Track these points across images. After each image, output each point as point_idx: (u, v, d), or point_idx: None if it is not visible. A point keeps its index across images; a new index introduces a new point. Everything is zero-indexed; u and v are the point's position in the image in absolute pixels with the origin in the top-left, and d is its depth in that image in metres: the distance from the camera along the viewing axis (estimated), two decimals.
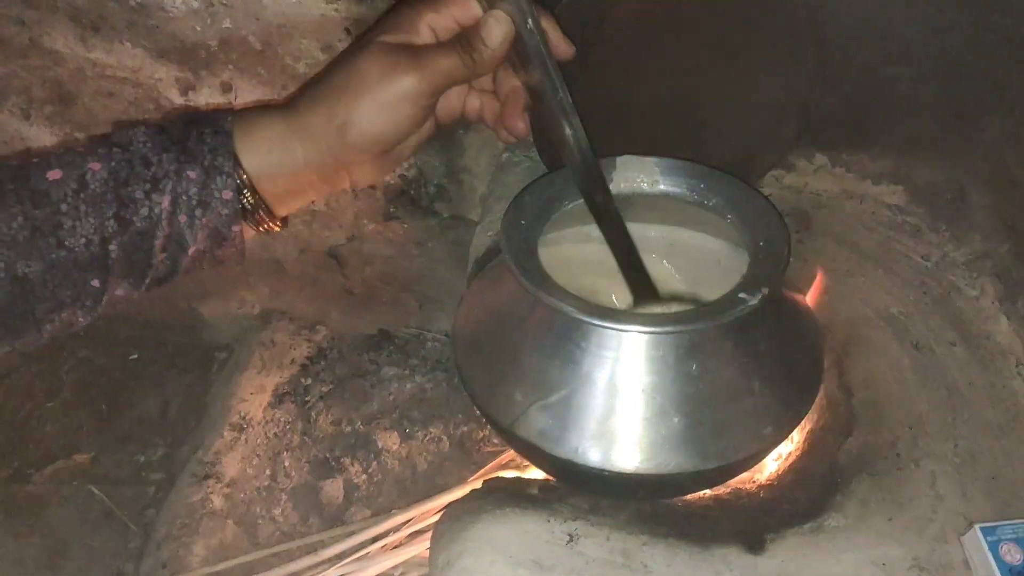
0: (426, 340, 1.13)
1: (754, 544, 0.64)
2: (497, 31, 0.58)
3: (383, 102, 0.57)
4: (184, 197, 0.54)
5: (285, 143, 0.56)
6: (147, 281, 0.58)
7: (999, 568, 0.62)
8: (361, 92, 0.57)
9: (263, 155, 0.56)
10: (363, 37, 0.60)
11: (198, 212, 0.54)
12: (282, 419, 1.05)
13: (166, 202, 0.53)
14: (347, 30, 0.85)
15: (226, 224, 0.56)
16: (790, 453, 0.72)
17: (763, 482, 0.70)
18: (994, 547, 0.63)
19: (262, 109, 0.59)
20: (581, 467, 0.60)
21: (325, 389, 1.08)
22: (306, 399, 1.07)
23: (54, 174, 0.52)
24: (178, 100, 0.93)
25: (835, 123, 0.88)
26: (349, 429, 1.04)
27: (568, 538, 0.63)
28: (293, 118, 0.57)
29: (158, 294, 1.11)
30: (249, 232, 0.60)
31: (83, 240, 0.52)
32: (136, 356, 1.18)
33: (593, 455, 0.60)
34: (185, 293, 1.14)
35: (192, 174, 0.54)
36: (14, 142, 0.99)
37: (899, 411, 0.72)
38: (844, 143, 0.90)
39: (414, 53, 0.58)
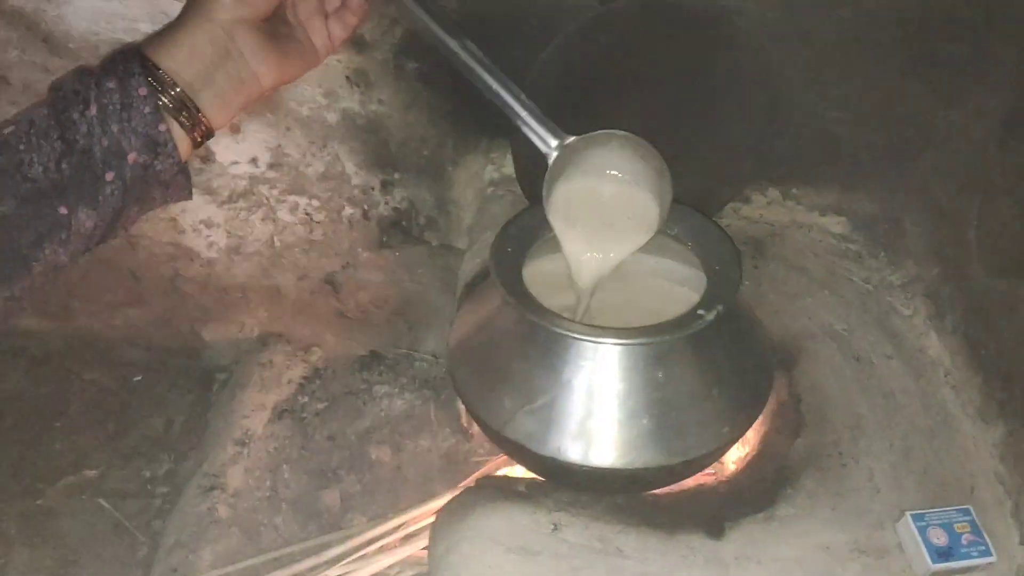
0: (415, 360, 1.21)
1: (715, 531, 0.73)
2: None
3: None
4: (110, 107, 0.60)
5: (185, 30, 0.61)
6: (104, 206, 0.62)
7: (927, 549, 0.71)
8: None
9: (167, 48, 0.60)
10: None
11: (124, 115, 0.60)
12: (281, 434, 1.12)
13: (94, 110, 0.60)
14: (347, 78, 0.94)
15: (152, 124, 0.61)
16: (746, 452, 0.81)
17: (723, 478, 0.79)
18: (923, 531, 0.72)
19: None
20: (563, 464, 0.69)
21: (321, 406, 1.16)
22: (303, 416, 1.15)
23: (9, 129, 0.60)
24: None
25: (785, 161, 0.98)
26: (344, 443, 1.12)
27: (552, 527, 0.71)
28: (189, 9, 0.65)
29: (161, 316, 1.19)
30: (185, 142, 0.62)
31: (41, 168, 0.59)
32: (140, 378, 1.24)
33: (573, 453, 0.69)
34: (188, 318, 1.21)
35: (110, 83, 0.60)
36: None
37: (842, 415, 0.81)
38: (794, 179, 1.00)
39: None
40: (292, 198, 1.07)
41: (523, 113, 0.70)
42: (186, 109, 0.61)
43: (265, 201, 1.07)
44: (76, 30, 0.93)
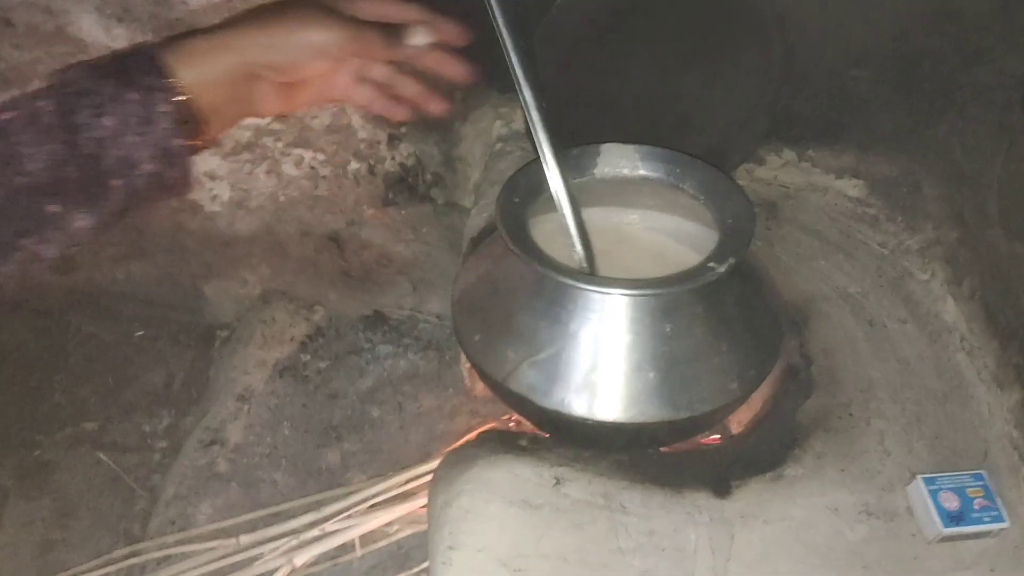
0: (419, 321, 1.20)
1: (721, 489, 0.71)
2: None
3: (296, 35, 0.62)
4: (130, 119, 0.59)
5: (211, 52, 0.62)
6: (105, 210, 0.61)
7: (938, 512, 0.69)
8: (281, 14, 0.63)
9: (191, 60, 0.60)
10: None
11: (142, 129, 0.59)
12: (283, 391, 1.11)
13: (111, 123, 0.58)
14: None
15: (170, 137, 0.60)
16: (755, 413, 0.79)
17: (730, 437, 0.77)
18: (934, 494, 0.70)
19: (191, 32, 0.65)
20: (567, 417, 0.67)
21: (323, 365, 1.15)
22: (305, 374, 1.14)
23: (8, 115, 0.58)
24: None
25: (802, 121, 0.96)
26: (346, 402, 1.11)
27: (555, 481, 0.70)
28: (220, 33, 0.63)
29: (163, 271, 1.17)
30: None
31: (40, 166, 0.57)
32: (141, 333, 1.23)
33: (578, 406, 0.67)
34: (190, 273, 1.20)
35: (132, 95, 0.59)
36: None
37: (853, 378, 0.80)
38: (810, 140, 0.98)
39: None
40: (297, 151, 1.05)
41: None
42: (197, 123, 0.60)
43: (270, 154, 1.05)
44: None
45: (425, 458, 0.99)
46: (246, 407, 1.09)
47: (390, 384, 1.13)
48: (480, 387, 1.06)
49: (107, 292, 1.22)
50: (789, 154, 0.98)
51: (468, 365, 1.02)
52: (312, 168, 1.07)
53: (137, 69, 0.59)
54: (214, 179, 1.08)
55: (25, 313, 1.23)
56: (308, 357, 1.16)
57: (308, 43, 0.63)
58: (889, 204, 0.96)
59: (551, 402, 0.67)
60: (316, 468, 1.04)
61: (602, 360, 0.67)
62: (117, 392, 1.17)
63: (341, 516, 0.93)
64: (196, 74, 0.61)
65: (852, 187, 0.97)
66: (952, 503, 0.70)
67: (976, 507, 0.70)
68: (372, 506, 0.94)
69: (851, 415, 0.76)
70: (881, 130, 0.95)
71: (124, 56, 0.60)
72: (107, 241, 1.17)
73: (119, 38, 0.95)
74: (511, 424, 0.94)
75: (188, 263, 1.19)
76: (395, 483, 0.97)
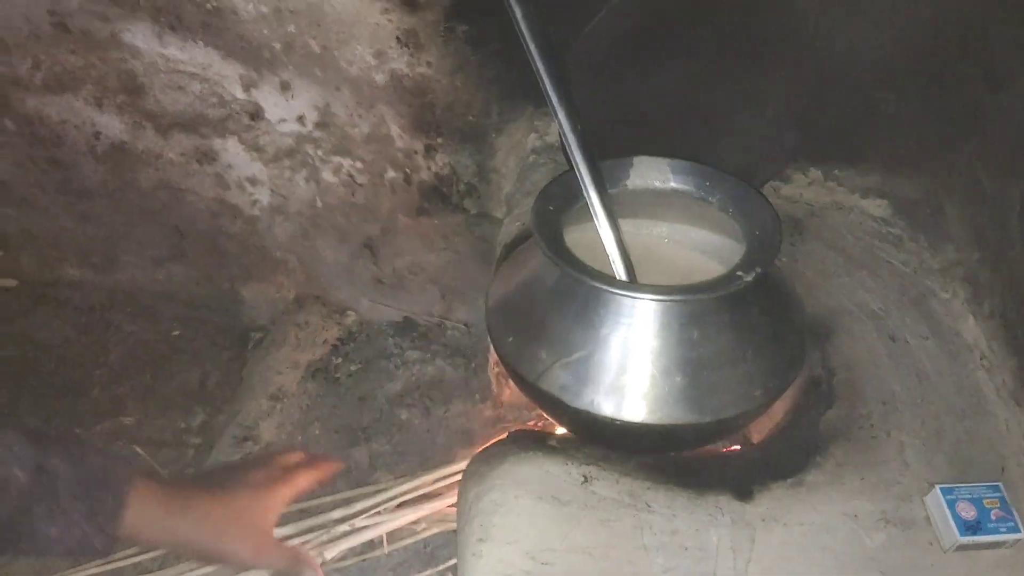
0: (447, 328, 1.23)
1: (743, 493, 0.73)
2: None
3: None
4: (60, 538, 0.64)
5: (161, 522, 0.67)
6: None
7: (955, 521, 0.71)
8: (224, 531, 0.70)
9: (136, 523, 0.66)
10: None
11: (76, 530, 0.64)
12: (314, 392, 1.14)
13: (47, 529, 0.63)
14: (398, 39, 0.96)
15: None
16: (778, 421, 0.81)
17: (753, 444, 0.79)
18: (952, 504, 0.72)
19: (150, 485, 0.69)
20: (596, 417, 0.70)
21: (354, 368, 1.18)
22: (336, 376, 1.17)
23: None
24: (241, 95, 1.03)
25: (828, 140, 0.98)
26: (375, 404, 1.14)
27: (583, 479, 0.72)
28: (176, 509, 0.69)
29: (202, 273, 1.21)
30: None
31: None
32: (178, 332, 1.27)
33: (607, 407, 0.70)
34: (228, 275, 1.24)
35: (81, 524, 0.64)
36: (85, 127, 1.09)
37: (874, 391, 0.82)
38: (836, 159, 1.00)
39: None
40: (336, 159, 1.09)
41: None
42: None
43: (310, 161, 1.09)
44: None
45: (451, 460, 1.02)
46: (278, 406, 1.12)
47: (418, 388, 1.16)
48: (507, 394, 1.09)
49: (147, 292, 1.26)
50: (815, 173, 1.01)
51: (496, 371, 1.05)
52: (350, 176, 1.10)
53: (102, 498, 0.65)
54: (255, 184, 1.12)
55: (68, 310, 1.28)
56: (339, 360, 1.19)
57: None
58: (912, 224, 0.98)
59: (581, 402, 0.70)
60: (345, 467, 1.07)
61: (631, 363, 0.69)
62: (154, 389, 1.21)
63: (370, 513, 0.95)
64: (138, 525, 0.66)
65: (876, 207, 1.00)
66: (969, 513, 0.72)
67: (993, 517, 0.72)
68: (399, 504, 0.96)
69: (872, 426, 0.78)
70: (906, 151, 0.97)
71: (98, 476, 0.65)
72: (149, 242, 1.21)
73: (171, 46, 1.00)
74: (537, 428, 0.96)
75: (226, 266, 1.22)
76: (422, 483, 0.99)
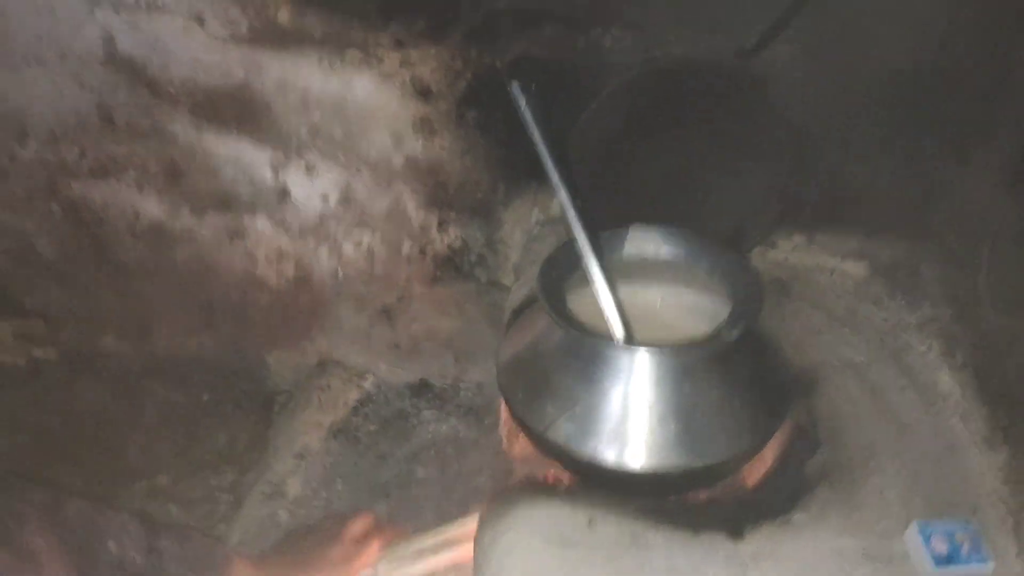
0: (460, 389, 1.30)
1: (735, 532, 0.79)
2: None
3: None
4: None
5: None
6: None
7: (929, 555, 0.77)
8: None
9: None
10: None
11: None
12: (336, 451, 1.21)
13: None
14: (413, 125, 1.06)
15: None
16: (766, 467, 0.88)
17: (744, 486, 0.86)
18: (927, 539, 0.78)
19: (245, 564, 0.85)
20: (598, 465, 0.77)
21: (373, 428, 1.25)
22: (357, 435, 1.24)
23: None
24: (270, 177, 1.13)
25: (810, 208, 1.07)
26: (393, 461, 1.20)
27: (588, 522, 0.79)
28: None
29: (229, 341, 1.29)
30: None
31: None
32: (208, 397, 1.35)
33: (608, 455, 0.77)
34: (254, 343, 1.32)
35: None
36: (126, 209, 1.19)
37: (856, 438, 0.89)
38: (818, 226, 1.09)
39: None
40: (357, 233, 1.18)
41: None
42: None
43: (332, 235, 1.18)
44: (177, 77, 1.05)
45: (466, 512, 1.08)
46: (303, 464, 1.19)
47: (434, 446, 1.22)
48: (517, 449, 1.15)
49: (179, 360, 1.34)
50: (799, 238, 1.09)
51: (507, 428, 1.12)
52: (369, 249, 1.19)
53: None
54: (281, 258, 1.21)
55: (105, 379, 1.35)
56: (360, 420, 1.26)
57: None
58: (890, 284, 1.06)
59: (585, 451, 0.77)
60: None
61: (630, 414, 0.77)
62: (187, 450, 1.28)
63: (391, 561, 1.01)
64: None
65: (856, 268, 1.08)
66: (942, 547, 0.78)
67: (964, 551, 0.78)
68: (418, 553, 1.02)
69: (854, 470, 0.85)
70: (883, 218, 1.06)
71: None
72: (182, 314, 1.30)
73: (208, 135, 1.10)
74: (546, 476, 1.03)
75: (253, 334, 1.31)
76: (439, 533, 1.06)
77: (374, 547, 0.91)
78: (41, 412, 1.29)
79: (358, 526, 0.93)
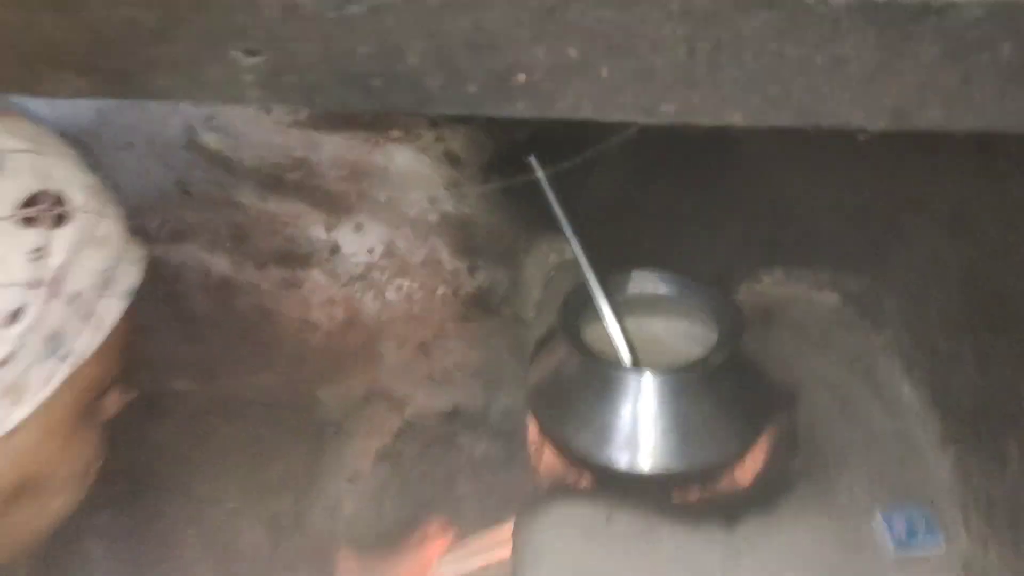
0: (490, 415, 1.47)
1: (730, 523, 0.96)
2: None
3: None
4: None
5: None
6: None
7: (891, 538, 0.93)
8: None
9: None
10: None
11: None
12: (383, 474, 1.38)
13: None
14: (445, 188, 1.24)
15: None
16: (755, 466, 1.04)
17: (736, 484, 1.02)
18: (890, 524, 0.94)
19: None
20: (614, 469, 0.94)
21: (415, 451, 1.42)
22: (401, 459, 1.40)
23: None
24: (323, 236, 1.31)
25: (788, 249, 1.25)
26: (435, 481, 1.37)
27: (606, 518, 0.95)
28: None
29: (284, 379, 1.46)
30: None
31: None
32: (265, 431, 1.52)
33: (621, 461, 0.94)
34: (307, 380, 1.49)
35: None
36: (198, 267, 1.37)
37: (830, 442, 1.05)
38: (794, 263, 1.26)
39: None
40: (398, 280, 1.36)
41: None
42: None
43: (376, 283, 1.36)
44: (247, 157, 1.24)
45: (502, 520, 1.24)
46: (355, 487, 1.36)
47: (469, 466, 1.39)
48: (543, 464, 1.32)
49: (240, 398, 1.52)
50: (779, 273, 1.26)
51: (534, 447, 1.29)
52: (408, 293, 1.37)
53: None
54: (332, 304, 1.39)
55: (175, 417, 1.52)
56: (402, 445, 1.43)
57: None
58: (859, 312, 1.22)
59: (601, 458, 0.94)
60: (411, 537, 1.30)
61: (638, 426, 0.94)
62: (250, 479, 1.44)
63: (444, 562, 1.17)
64: None
65: (830, 298, 1.25)
66: (903, 530, 0.94)
67: (921, 533, 0.94)
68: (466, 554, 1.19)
69: (828, 469, 1.01)
70: (851, 257, 1.22)
71: None
72: (243, 357, 1.47)
73: (270, 202, 1.29)
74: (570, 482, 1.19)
75: (306, 372, 1.48)
76: (478, 540, 1.22)
77: (442, 544, 1.07)
78: (124, 447, 1.46)
79: (430, 528, 1.09)
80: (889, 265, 1.19)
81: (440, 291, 1.37)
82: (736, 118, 0.34)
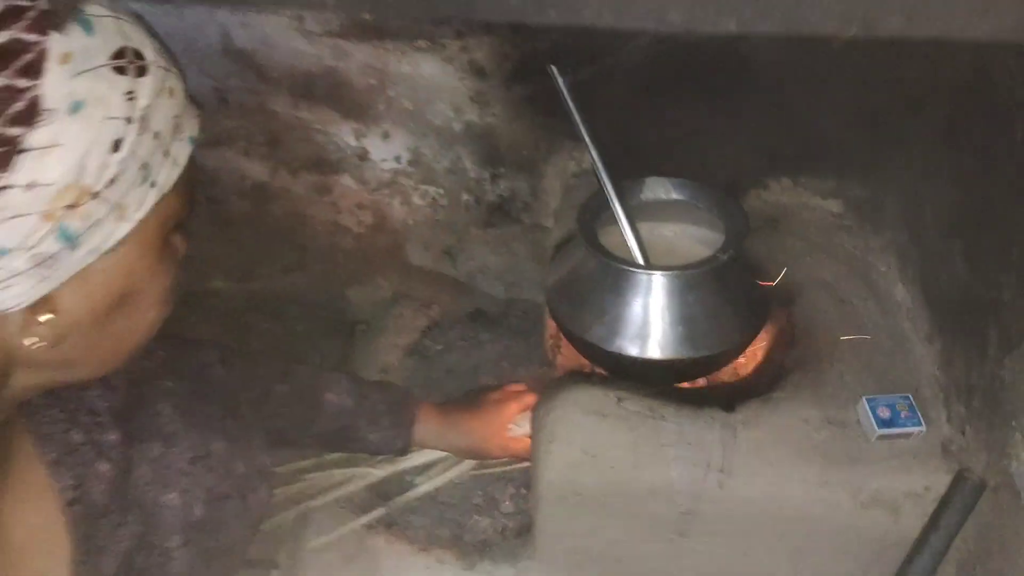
0: (510, 314, 1.56)
1: (729, 407, 1.05)
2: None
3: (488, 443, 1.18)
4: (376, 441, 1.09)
5: (439, 434, 1.15)
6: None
7: (874, 419, 1.02)
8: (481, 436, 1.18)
9: (423, 434, 1.13)
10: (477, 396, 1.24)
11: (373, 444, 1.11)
12: (411, 367, 1.48)
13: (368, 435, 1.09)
14: (470, 98, 1.31)
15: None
16: (755, 359, 1.14)
17: (737, 374, 1.12)
18: (873, 408, 1.03)
19: (430, 407, 1.16)
20: (624, 357, 1.03)
21: (440, 348, 1.52)
22: (427, 355, 1.50)
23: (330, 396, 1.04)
24: (353, 143, 1.38)
25: (794, 157, 1.31)
26: (458, 374, 1.47)
27: (617, 399, 1.05)
28: (448, 424, 1.16)
29: (318, 279, 1.56)
30: None
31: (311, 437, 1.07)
32: (301, 327, 1.62)
33: (632, 349, 1.03)
34: (338, 280, 1.59)
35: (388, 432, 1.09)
36: (235, 172, 1.45)
37: (825, 337, 1.13)
38: (801, 171, 1.32)
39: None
40: (424, 187, 1.44)
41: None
42: None
43: (403, 189, 1.44)
44: (280, 64, 1.31)
45: None
46: (385, 378, 1.46)
47: (491, 361, 1.49)
48: (559, 360, 1.42)
49: (276, 296, 1.62)
50: (786, 181, 1.33)
51: (550, 344, 1.38)
52: (434, 200, 1.45)
53: (399, 421, 1.13)
54: (361, 209, 1.48)
55: (215, 314, 1.63)
56: (429, 342, 1.53)
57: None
58: (860, 217, 1.29)
59: (613, 347, 1.03)
60: None
61: (648, 319, 1.03)
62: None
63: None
64: (421, 438, 1.16)
65: (834, 205, 1.32)
66: (885, 413, 1.03)
67: (903, 416, 1.03)
68: None
69: (820, 361, 1.10)
70: (853, 163, 1.29)
71: (396, 403, 1.13)
72: (278, 258, 1.57)
73: (303, 110, 1.35)
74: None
75: (337, 273, 1.57)
76: None
77: (521, 401, 1.20)
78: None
79: (513, 387, 1.24)
80: (890, 172, 1.26)
81: (464, 198, 1.45)
82: (731, 26, 0.41)
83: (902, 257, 1.22)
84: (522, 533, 1.19)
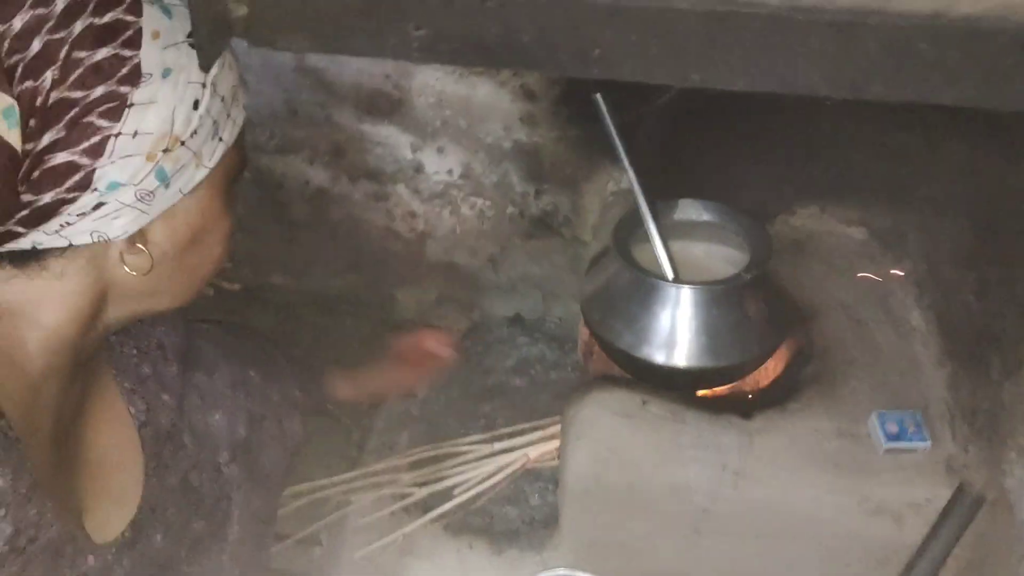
0: (547, 321, 1.66)
1: (746, 414, 1.13)
2: None
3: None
4: None
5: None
6: None
7: (883, 434, 1.10)
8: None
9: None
10: None
11: None
12: (453, 366, 1.58)
13: None
14: (520, 119, 1.41)
15: None
16: (771, 369, 1.22)
17: (755, 384, 1.20)
18: (883, 423, 1.11)
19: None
20: (652, 364, 1.12)
21: (479, 349, 1.62)
22: (468, 354, 1.60)
23: None
24: (409, 156, 1.49)
25: (821, 186, 1.39)
26: (496, 375, 1.57)
27: (642, 402, 1.14)
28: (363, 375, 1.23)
29: (368, 280, 1.66)
30: None
31: None
32: (350, 322, 1.73)
33: (659, 357, 1.12)
34: (387, 282, 1.69)
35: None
36: (299, 177, 1.57)
37: (840, 356, 1.21)
38: (827, 199, 1.40)
39: None
40: (472, 199, 1.54)
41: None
42: None
43: (453, 200, 1.55)
44: (347, 79, 1.42)
45: (551, 413, 1.44)
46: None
47: (526, 364, 1.59)
48: (591, 366, 1.51)
49: (329, 294, 1.73)
50: (813, 208, 1.41)
51: (583, 350, 1.47)
52: (481, 211, 1.55)
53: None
54: (414, 217, 1.58)
55: (272, 307, 1.75)
56: (469, 343, 1.63)
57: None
58: (883, 245, 1.37)
59: (641, 354, 1.12)
60: (475, 416, 1.50)
61: (675, 329, 1.11)
62: (336, 365, 1.66)
63: (496, 450, 1.37)
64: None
65: (858, 232, 1.39)
66: (894, 429, 1.11)
67: (910, 432, 1.10)
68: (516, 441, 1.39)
69: (835, 377, 1.18)
70: (878, 194, 1.36)
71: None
72: (333, 258, 1.68)
73: (366, 124, 1.47)
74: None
75: (388, 275, 1.68)
76: (532, 428, 1.42)
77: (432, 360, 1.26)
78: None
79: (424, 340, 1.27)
80: (913, 204, 1.33)
81: (509, 211, 1.55)
82: (740, 84, 0.50)
83: (919, 285, 1.29)
84: (548, 524, 1.28)
